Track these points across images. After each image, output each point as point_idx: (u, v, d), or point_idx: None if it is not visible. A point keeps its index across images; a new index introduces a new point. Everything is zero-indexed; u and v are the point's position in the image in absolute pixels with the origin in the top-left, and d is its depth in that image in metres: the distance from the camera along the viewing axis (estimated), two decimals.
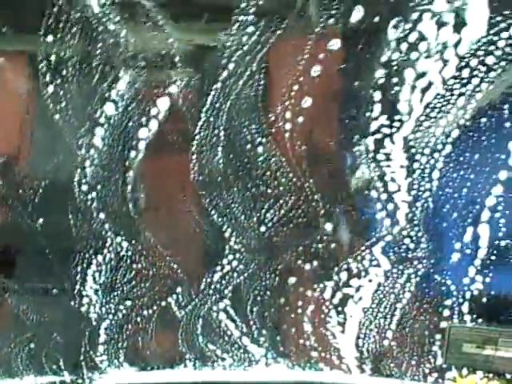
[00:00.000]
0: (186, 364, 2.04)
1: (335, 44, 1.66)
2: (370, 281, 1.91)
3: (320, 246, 1.93)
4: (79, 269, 1.95)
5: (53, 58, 1.74)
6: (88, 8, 1.68)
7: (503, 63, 1.63)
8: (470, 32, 1.61)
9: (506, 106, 1.68)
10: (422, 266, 1.87)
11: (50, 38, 1.72)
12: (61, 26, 1.71)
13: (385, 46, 1.63)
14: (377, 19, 1.61)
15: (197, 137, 1.81)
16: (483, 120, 1.70)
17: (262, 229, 1.91)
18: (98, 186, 1.86)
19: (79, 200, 1.89)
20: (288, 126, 1.77)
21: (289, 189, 1.88)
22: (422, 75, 1.66)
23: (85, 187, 1.87)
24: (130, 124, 1.80)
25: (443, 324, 1.87)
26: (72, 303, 1.98)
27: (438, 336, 1.90)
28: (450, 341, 1.76)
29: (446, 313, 1.88)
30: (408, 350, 1.95)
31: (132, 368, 2.01)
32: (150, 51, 1.74)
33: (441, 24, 1.60)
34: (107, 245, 1.94)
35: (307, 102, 1.73)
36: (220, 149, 1.82)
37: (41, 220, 1.89)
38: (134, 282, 1.99)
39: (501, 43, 1.61)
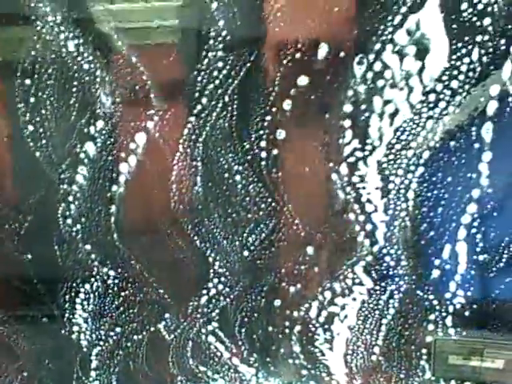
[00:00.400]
0: None
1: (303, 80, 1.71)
2: (354, 299, 1.94)
3: (302, 267, 1.96)
4: (68, 297, 1.99)
5: (32, 99, 1.79)
6: (63, 48, 1.73)
7: (467, 87, 1.67)
8: (433, 59, 1.65)
9: (474, 128, 1.72)
10: (404, 283, 1.90)
11: (27, 81, 1.77)
12: (37, 68, 1.76)
13: (351, 78, 1.67)
14: (342, 54, 1.66)
15: (175, 167, 1.85)
16: (452, 142, 1.74)
17: (245, 253, 1.94)
18: (83, 219, 1.91)
19: (64, 232, 1.94)
20: (263, 154, 1.81)
21: (268, 213, 1.91)
22: (389, 101, 1.70)
23: (69, 220, 1.91)
24: (110, 158, 1.85)
25: (428, 338, 1.89)
26: (62, 331, 2.02)
27: (425, 350, 1.92)
28: (436, 353, 1.79)
29: (431, 327, 1.91)
30: (396, 365, 1.97)
31: None
32: (125, 87, 1.78)
33: (404, 54, 1.65)
34: (94, 273, 1.98)
35: (281, 133, 1.78)
36: (199, 178, 1.86)
37: (28, 251, 1.93)
38: (122, 309, 2.02)
39: (463, 68, 1.65)
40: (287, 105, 1.73)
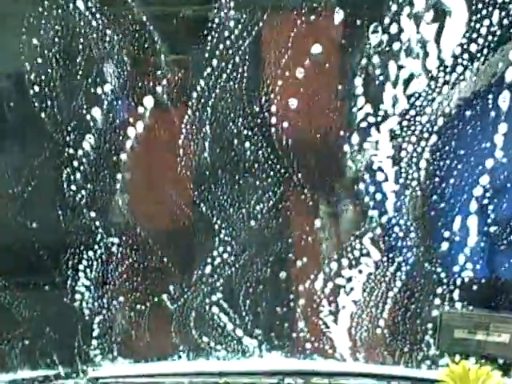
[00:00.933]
0: (179, 355, 2.04)
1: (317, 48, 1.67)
2: (361, 271, 1.91)
3: (310, 238, 1.93)
4: (70, 264, 1.96)
5: (39, 59, 1.75)
6: (70, 4, 1.69)
7: (486, 51, 1.63)
8: (452, 21, 1.61)
9: (490, 96, 1.68)
10: (412, 255, 1.87)
11: (34, 41, 1.73)
12: (43, 26, 1.72)
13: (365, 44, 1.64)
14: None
15: (183, 131, 1.81)
16: (468, 109, 1.70)
17: (252, 220, 1.91)
18: (88, 185, 1.87)
19: (68, 196, 1.90)
20: (274, 119, 1.77)
21: (277, 181, 1.88)
22: (404, 66, 1.66)
23: (73, 186, 1.88)
24: (117, 122, 1.81)
25: (435, 312, 1.86)
26: (64, 299, 1.99)
27: (430, 325, 1.90)
28: (441, 327, 1.77)
29: (437, 301, 1.88)
30: (400, 338, 1.95)
31: (126, 360, 2.02)
32: (134, 47, 1.74)
33: (420, 16, 1.61)
34: (98, 240, 1.95)
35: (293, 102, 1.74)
36: (207, 143, 1.82)
37: (30, 216, 1.89)
38: (125, 276, 1.99)
39: (483, 30, 1.61)
40: (299, 73, 1.69)
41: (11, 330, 1.95)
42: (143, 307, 1.96)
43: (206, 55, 1.67)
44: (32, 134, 1.81)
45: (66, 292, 1.95)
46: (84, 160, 1.80)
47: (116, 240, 1.89)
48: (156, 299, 1.97)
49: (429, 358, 1.85)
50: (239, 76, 1.69)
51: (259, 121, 1.71)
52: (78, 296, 1.95)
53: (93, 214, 1.86)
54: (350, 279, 1.87)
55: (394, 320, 1.87)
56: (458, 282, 1.79)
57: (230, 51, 1.66)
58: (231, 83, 1.70)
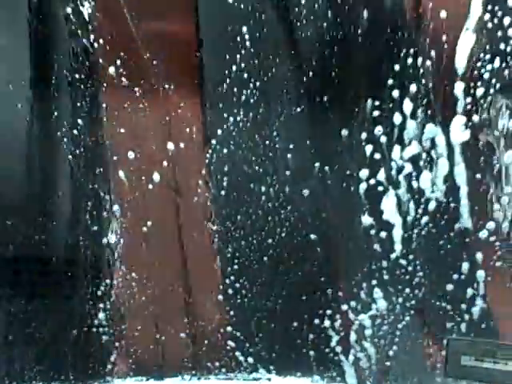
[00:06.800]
0: (191, 376, 2.07)
1: None
2: (370, 306, 1.93)
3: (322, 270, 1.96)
4: (90, 289, 2.00)
5: None
6: None
7: None
8: None
9: None
10: (420, 292, 1.89)
11: None
12: None
13: None
14: None
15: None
16: None
17: (264, 252, 1.94)
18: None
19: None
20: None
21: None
22: None
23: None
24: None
25: (443, 352, 1.88)
26: (83, 320, 2.03)
27: (439, 364, 1.91)
28: (448, 353, 1.78)
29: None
30: (409, 370, 1.96)
31: (138, 377, 2.05)
32: None
33: None
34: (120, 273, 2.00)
35: None
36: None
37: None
38: (144, 301, 2.03)
39: None
40: None
41: (29, 344, 1.99)
42: (158, 335, 1.99)
43: None
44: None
45: (85, 315, 1.99)
46: None
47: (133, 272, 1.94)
48: (170, 328, 2.00)
49: None
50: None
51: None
52: (95, 321, 1.99)
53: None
54: (361, 313, 1.89)
55: (403, 352, 1.87)
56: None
57: None
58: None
